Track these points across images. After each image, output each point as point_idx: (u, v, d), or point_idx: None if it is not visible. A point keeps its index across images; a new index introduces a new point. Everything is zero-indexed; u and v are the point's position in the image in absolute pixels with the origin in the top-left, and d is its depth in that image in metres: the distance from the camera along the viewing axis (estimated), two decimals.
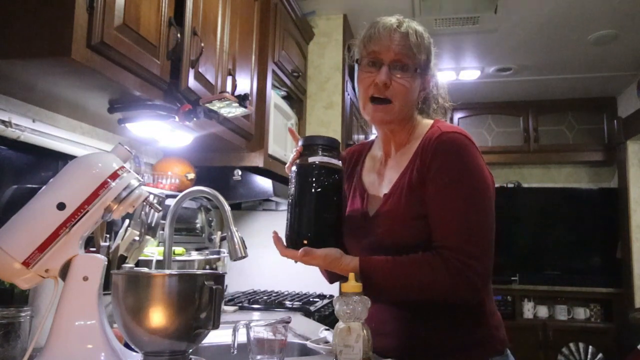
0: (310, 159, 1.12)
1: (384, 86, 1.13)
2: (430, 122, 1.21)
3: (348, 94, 3.15)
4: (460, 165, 1.08)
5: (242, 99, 1.74)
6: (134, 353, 0.99)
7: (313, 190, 1.10)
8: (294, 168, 1.14)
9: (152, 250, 1.72)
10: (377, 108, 1.16)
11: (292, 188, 1.14)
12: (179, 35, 1.55)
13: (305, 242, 1.09)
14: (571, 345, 4.11)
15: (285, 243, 1.13)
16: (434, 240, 1.07)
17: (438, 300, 1.08)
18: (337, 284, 1.33)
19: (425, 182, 1.10)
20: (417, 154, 1.14)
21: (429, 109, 1.24)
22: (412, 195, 1.11)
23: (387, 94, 1.14)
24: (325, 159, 1.12)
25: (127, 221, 1.51)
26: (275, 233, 1.14)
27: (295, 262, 1.12)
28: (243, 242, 1.46)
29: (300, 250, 1.08)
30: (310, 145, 1.14)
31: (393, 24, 1.15)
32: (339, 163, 1.14)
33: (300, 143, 1.16)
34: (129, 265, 1.47)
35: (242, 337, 1.11)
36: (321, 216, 1.10)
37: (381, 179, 1.24)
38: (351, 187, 1.31)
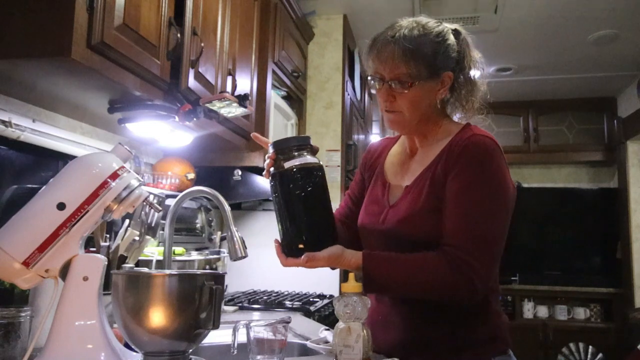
0: (287, 164, 1.08)
1: (389, 102, 1.15)
2: (462, 124, 1.21)
3: (348, 94, 3.15)
4: (484, 169, 1.09)
5: (242, 99, 1.74)
6: (134, 353, 0.99)
7: (298, 195, 1.07)
8: (272, 176, 1.10)
9: (152, 250, 1.72)
10: (390, 118, 1.18)
11: (275, 197, 1.10)
12: (179, 35, 1.55)
13: (302, 246, 1.07)
14: (571, 345, 4.11)
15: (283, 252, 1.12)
16: (442, 237, 1.08)
17: (437, 299, 1.08)
18: (337, 284, 1.33)
19: (447, 180, 1.11)
20: (445, 151, 1.15)
21: (452, 110, 1.22)
22: (433, 190, 1.12)
23: (395, 107, 1.16)
24: (303, 160, 1.09)
25: (127, 221, 1.51)
26: (277, 242, 1.13)
27: (298, 266, 1.11)
28: (243, 242, 1.46)
29: (302, 257, 1.07)
30: (282, 149, 1.10)
31: (386, 38, 1.14)
32: (317, 160, 1.11)
33: (270, 149, 1.12)
34: (129, 265, 1.47)
35: (242, 337, 1.11)
36: (312, 219, 1.08)
37: (404, 171, 1.24)
38: (372, 176, 1.32)
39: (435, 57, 1.14)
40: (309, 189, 1.07)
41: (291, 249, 1.09)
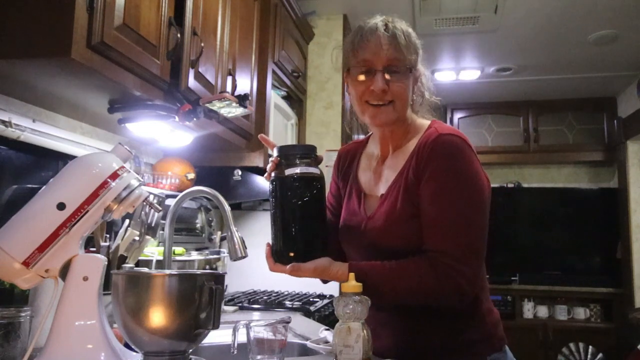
0: (288, 171, 1.09)
1: (382, 92, 1.12)
2: (427, 122, 1.20)
3: (348, 94, 3.15)
4: (455, 168, 1.08)
5: (242, 99, 1.74)
6: (134, 353, 0.99)
7: (295, 203, 1.08)
8: (272, 180, 1.11)
9: (152, 250, 1.72)
10: (379, 110, 1.14)
11: (273, 201, 1.11)
12: (179, 35, 1.55)
13: (292, 254, 1.08)
14: (571, 345, 4.11)
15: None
16: (424, 243, 1.07)
17: (427, 303, 1.08)
18: (337, 284, 1.33)
19: (420, 184, 1.10)
20: (414, 154, 1.14)
21: (417, 104, 1.22)
22: (408, 196, 1.11)
23: (386, 98, 1.13)
24: (304, 169, 1.09)
25: (127, 221, 1.51)
26: (269, 246, 1.13)
27: (284, 273, 1.11)
28: (243, 242, 1.46)
29: (288, 266, 1.08)
30: (286, 155, 1.11)
31: (380, 28, 1.13)
32: (318, 171, 1.12)
33: (275, 153, 1.13)
34: (129, 265, 1.47)
35: (242, 337, 1.11)
36: (306, 228, 1.09)
37: (377, 179, 1.23)
38: (346, 186, 1.30)
39: (419, 53, 1.17)
40: (305, 199, 1.08)
41: (281, 255, 1.10)
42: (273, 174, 1.11)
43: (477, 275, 1.07)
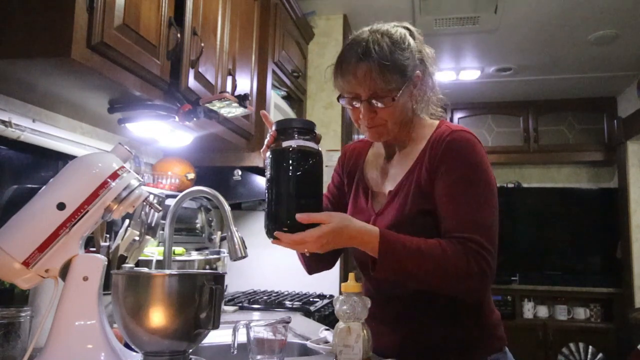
0: (285, 143, 1.05)
1: (370, 119, 1.13)
2: (435, 122, 1.21)
3: None
4: (471, 162, 1.10)
5: (242, 99, 1.74)
6: (134, 353, 0.99)
7: (290, 176, 1.03)
8: (268, 154, 1.08)
9: (152, 250, 1.72)
10: (373, 132, 1.17)
11: (268, 175, 1.07)
12: (179, 35, 1.55)
13: (285, 229, 1.02)
14: (571, 345, 4.11)
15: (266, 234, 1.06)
16: (446, 231, 1.06)
17: (447, 286, 1.04)
18: (337, 284, 1.33)
19: (435, 179, 1.11)
20: (425, 152, 1.15)
21: (420, 108, 1.21)
22: (419, 192, 1.12)
23: (377, 121, 1.14)
24: (301, 142, 1.05)
25: (127, 221, 1.51)
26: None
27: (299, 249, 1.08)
28: (243, 242, 1.46)
29: (292, 237, 1.01)
30: (285, 128, 1.07)
31: (355, 57, 1.10)
32: (316, 146, 1.08)
33: (274, 127, 1.09)
34: (129, 265, 1.47)
35: (242, 337, 1.11)
36: (300, 202, 1.03)
37: (384, 176, 1.24)
38: (352, 183, 1.31)
39: (407, 63, 1.13)
40: (300, 172, 1.04)
41: (271, 231, 1.04)
42: (270, 148, 1.08)
43: (495, 265, 1.06)
